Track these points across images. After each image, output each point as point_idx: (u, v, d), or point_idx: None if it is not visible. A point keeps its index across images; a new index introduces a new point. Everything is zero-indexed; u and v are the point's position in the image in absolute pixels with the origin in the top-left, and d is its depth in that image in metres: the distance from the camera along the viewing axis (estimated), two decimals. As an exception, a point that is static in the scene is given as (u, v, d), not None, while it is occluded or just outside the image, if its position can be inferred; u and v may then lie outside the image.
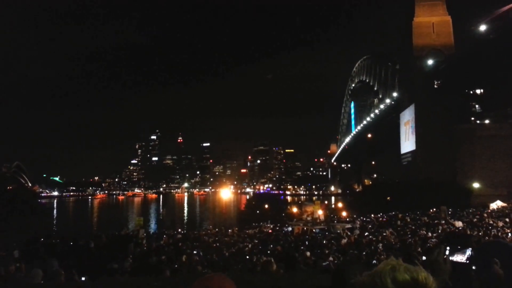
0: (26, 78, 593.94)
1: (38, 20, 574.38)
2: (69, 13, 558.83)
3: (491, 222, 26.15)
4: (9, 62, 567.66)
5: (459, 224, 25.17)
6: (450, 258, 2.36)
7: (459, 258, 2.64)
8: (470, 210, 40.79)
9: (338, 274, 2.18)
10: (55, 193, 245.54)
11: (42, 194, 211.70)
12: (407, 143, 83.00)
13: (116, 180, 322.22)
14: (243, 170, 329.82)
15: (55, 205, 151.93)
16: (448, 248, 2.49)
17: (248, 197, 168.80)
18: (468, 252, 2.64)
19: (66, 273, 8.95)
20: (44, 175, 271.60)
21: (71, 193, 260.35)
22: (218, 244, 24.11)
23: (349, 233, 24.55)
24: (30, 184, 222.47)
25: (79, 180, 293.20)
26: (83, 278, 5.60)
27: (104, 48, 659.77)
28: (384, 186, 79.06)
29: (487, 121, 73.47)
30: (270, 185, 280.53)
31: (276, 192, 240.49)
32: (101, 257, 15.38)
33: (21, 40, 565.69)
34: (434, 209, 40.10)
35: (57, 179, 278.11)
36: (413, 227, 25.95)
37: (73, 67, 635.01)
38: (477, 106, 77.25)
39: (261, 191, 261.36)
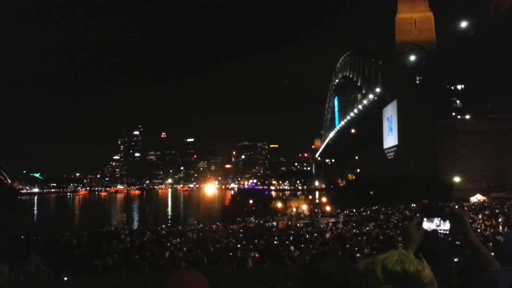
0: (6, 74, 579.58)
1: (20, 14, 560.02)
2: (50, 8, 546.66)
3: (471, 215, 26.71)
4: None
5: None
6: (423, 226, 2.44)
7: (428, 226, 2.74)
8: (451, 204, 41.60)
9: (311, 266, 2.09)
10: (36, 190, 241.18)
11: (22, 191, 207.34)
12: (390, 138, 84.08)
13: (98, 176, 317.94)
14: (228, 166, 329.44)
15: (35, 202, 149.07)
16: (424, 218, 2.60)
17: (232, 192, 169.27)
18: (437, 221, 2.76)
19: (49, 269, 8.80)
20: (24, 172, 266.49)
21: (52, 190, 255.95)
22: (202, 239, 24.00)
23: (333, 227, 24.76)
24: (9, 181, 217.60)
25: (60, 177, 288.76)
26: (65, 278, 5.49)
27: (86, 44, 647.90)
28: (367, 181, 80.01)
29: (467, 116, 74.97)
30: (255, 181, 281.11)
31: (260, 187, 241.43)
32: (83, 254, 15.15)
33: (1, 35, 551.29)
34: (416, 204, 40.77)
35: (37, 175, 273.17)
36: (395, 221, 26.33)
37: (54, 63, 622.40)
38: (458, 101, 78.73)
39: (246, 186, 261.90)
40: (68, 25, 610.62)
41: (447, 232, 2.60)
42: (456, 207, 15.70)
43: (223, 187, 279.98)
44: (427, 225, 2.68)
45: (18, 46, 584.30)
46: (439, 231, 2.66)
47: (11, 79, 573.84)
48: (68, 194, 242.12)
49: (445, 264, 2.61)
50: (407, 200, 43.76)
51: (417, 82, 77.41)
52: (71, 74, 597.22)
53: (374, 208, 42.10)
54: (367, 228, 22.61)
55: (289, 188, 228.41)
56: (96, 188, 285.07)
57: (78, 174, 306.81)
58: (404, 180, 61.13)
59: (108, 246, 17.72)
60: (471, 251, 2.35)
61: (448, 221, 2.61)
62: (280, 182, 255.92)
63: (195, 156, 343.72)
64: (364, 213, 37.59)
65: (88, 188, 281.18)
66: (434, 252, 2.39)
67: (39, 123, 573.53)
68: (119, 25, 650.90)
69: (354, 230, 21.96)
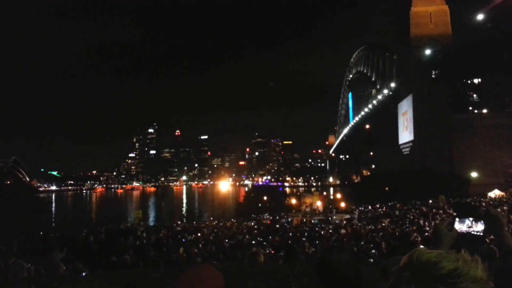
0: (24, 74, 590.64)
1: (37, 16, 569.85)
2: (66, 9, 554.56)
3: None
4: (6, 57, 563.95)
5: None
6: (455, 227, 2.33)
7: (459, 227, 2.64)
8: (468, 199, 40.95)
9: (324, 262, 2.10)
10: (53, 188, 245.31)
11: (40, 189, 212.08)
12: (405, 134, 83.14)
13: (114, 173, 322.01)
14: (241, 163, 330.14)
15: (53, 199, 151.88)
16: (456, 219, 2.49)
17: (246, 189, 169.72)
18: (469, 222, 2.66)
19: (67, 266, 8.95)
20: (42, 170, 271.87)
21: (69, 187, 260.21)
22: (217, 236, 24.14)
23: (348, 224, 24.62)
24: (28, 179, 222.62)
25: (77, 174, 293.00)
26: (83, 274, 5.58)
27: (102, 44, 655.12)
28: (382, 177, 79.42)
29: (484, 111, 73.64)
30: (269, 177, 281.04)
31: (274, 184, 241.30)
32: (101, 251, 15.36)
33: (19, 35, 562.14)
34: (433, 199, 40.25)
35: (55, 173, 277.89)
36: (411, 217, 26.03)
37: (71, 63, 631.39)
38: (474, 95, 77.41)
39: (260, 183, 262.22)
40: (86, 26, 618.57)
41: (480, 233, 2.48)
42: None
43: (237, 183, 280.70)
44: (458, 226, 2.57)
45: (35, 47, 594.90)
46: (472, 233, 2.56)
47: (29, 80, 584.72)
48: (84, 191, 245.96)
49: None
50: (423, 196, 43.26)
51: (433, 76, 76.31)
52: (88, 74, 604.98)
53: (389, 204, 41.66)
54: (383, 224, 22.42)
55: (303, 184, 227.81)
56: (113, 185, 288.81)
57: (95, 171, 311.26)
58: (420, 176, 60.48)
59: (125, 243, 17.95)
60: (507, 253, 2.22)
61: (481, 222, 2.46)
62: (294, 178, 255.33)
63: (209, 153, 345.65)
64: (380, 209, 37.27)
65: (104, 186, 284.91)
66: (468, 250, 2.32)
67: (57, 123, 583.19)
68: (134, 26, 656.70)
69: (369, 227, 21.79)
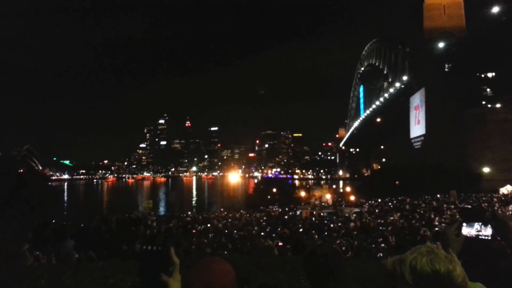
0: (39, 67, 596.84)
1: (54, 11, 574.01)
2: (80, 6, 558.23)
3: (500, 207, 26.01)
4: (24, 51, 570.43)
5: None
6: (462, 231, 2.34)
7: (467, 231, 2.64)
8: (480, 195, 40.59)
9: (312, 258, 2.35)
10: (65, 176, 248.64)
11: (53, 177, 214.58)
12: (417, 127, 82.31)
13: (125, 163, 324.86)
14: (251, 154, 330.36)
15: (65, 188, 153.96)
16: (463, 223, 2.51)
17: (256, 181, 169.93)
18: (477, 226, 2.64)
19: (80, 254, 9.13)
20: (54, 159, 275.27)
21: (81, 176, 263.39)
22: (226, 227, 24.29)
23: (357, 217, 24.58)
24: (40, 167, 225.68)
25: (89, 164, 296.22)
26: (101, 263, 5.70)
27: (113, 36, 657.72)
28: (393, 171, 78.73)
29: (498, 105, 72.43)
30: (278, 169, 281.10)
31: (284, 176, 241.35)
32: (112, 239, 15.59)
33: (31, 29, 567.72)
34: (444, 194, 39.97)
35: (67, 162, 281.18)
36: (422, 212, 25.89)
37: (84, 56, 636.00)
38: (488, 89, 76.12)
39: (269, 175, 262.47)
40: (98, 21, 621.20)
41: (489, 238, 2.43)
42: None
43: (247, 175, 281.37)
44: (466, 230, 2.57)
45: (50, 42, 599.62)
46: (480, 237, 2.53)
47: (43, 72, 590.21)
48: (95, 180, 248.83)
49: (489, 267, 2.54)
50: (434, 191, 42.96)
51: (446, 69, 75.25)
52: (101, 66, 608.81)
53: (399, 198, 41.48)
54: (392, 218, 22.35)
55: (312, 177, 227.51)
56: (124, 175, 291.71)
57: (106, 161, 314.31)
58: (431, 170, 59.92)
59: (136, 232, 18.19)
60: None
61: (489, 226, 2.47)
62: (304, 171, 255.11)
63: (219, 145, 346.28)
64: (389, 203, 37.12)
65: (116, 175, 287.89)
66: (477, 255, 2.33)
67: (69, 113, 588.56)
68: (147, 21, 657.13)
69: (378, 220, 21.73)
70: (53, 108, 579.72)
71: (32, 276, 4.11)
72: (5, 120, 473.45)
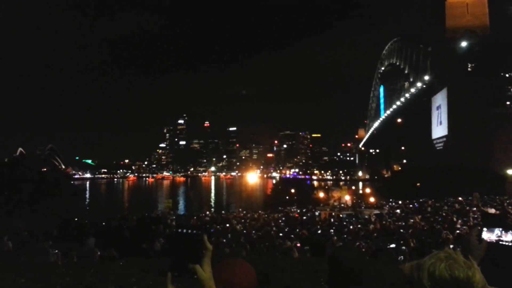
0: (58, 66, 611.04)
1: (70, 8, 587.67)
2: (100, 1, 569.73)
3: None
4: (45, 50, 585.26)
5: (491, 211, 24.45)
6: (484, 238, 2.30)
7: (488, 236, 2.58)
8: (504, 198, 39.51)
9: (335, 260, 2.24)
10: (88, 175, 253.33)
11: (75, 176, 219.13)
12: (439, 128, 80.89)
13: (146, 163, 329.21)
14: (270, 155, 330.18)
15: (87, 187, 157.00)
16: (484, 229, 2.46)
17: (274, 181, 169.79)
18: (498, 232, 2.58)
19: (102, 252, 9.32)
20: (77, 158, 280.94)
21: (103, 175, 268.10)
22: (245, 226, 24.37)
23: (377, 219, 24.29)
24: (63, 166, 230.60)
25: (110, 163, 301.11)
26: (121, 263, 5.81)
27: (133, 36, 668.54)
28: (414, 172, 77.35)
29: (523, 105, 70.62)
30: (297, 170, 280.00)
31: (302, 176, 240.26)
32: (132, 238, 15.82)
33: (50, 27, 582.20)
34: (466, 196, 39.07)
35: (89, 161, 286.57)
36: (444, 214, 25.39)
37: (105, 55, 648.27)
38: (512, 89, 74.27)
39: (288, 175, 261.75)
40: (118, 18, 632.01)
41: (510, 244, 2.37)
42: None
43: (265, 176, 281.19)
44: (487, 235, 2.52)
45: (69, 40, 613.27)
46: (501, 243, 2.47)
47: (64, 72, 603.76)
48: (115, 179, 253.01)
49: (510, 273, 2.48)
50: (457, 193, 42.04)
51: (469, 69, 73.69)
52: (121, 65, 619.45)
53: (421, 200, 40.75)
54: (413, 221, 21.98)
55: (331, 178, 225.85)
56: (144, 175, 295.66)
57: (127, 160, 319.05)
58: (453, 172, 58.69)
59: (156, 230, 18.42)
60: None
61: (511, 232, 2.42)
62: (322, 171, 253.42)
63: (237, 145, 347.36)
64: (410, 205, 36.52)
65: (136, 174, 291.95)
66: (497, 261, 2.28)
67: (92, 113, 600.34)
68: (166, 19, 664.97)
69: (399, 223, 21.42)
70: (75, 108, 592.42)
71: (58, 273, 4.22)
72: (30, 120, 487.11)
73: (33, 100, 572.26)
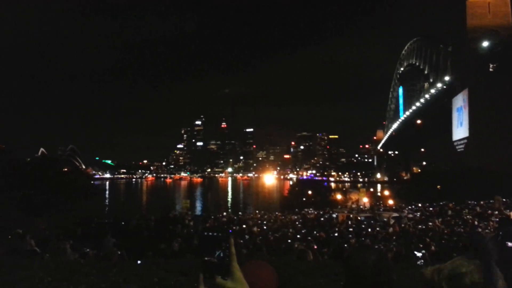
0: (80, 69, 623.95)
1: (90, 12, 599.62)
2: (118, 5, 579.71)
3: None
4: (68, 53, 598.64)
5: (515, 215, 23.89)
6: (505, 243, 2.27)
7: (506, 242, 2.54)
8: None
9: (350, 261, 2.08)
10: (107, 175, 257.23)
11: (95, 176, 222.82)
12: (460, 130, 79.40)
13: (164, 163, 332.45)
14: (286, 156, 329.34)
15: (107, 187, 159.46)
16: (501, 233, 2.42)
17: (291, 183, 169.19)
18: None
19: (122, 252, 9.47)
20: (97, 158, 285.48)
21: (122, 176, 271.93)
22: (262, 228, 24.39)
23: (396, 222, 23.99)
24: (84, 167, 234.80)
25: (129, 163, 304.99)
26: (138, 262, 5.88)
27: (151, 38, 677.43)
28: (434, 174, 76.03)
29: (548, 106, 68.67)
30: (314, 171, 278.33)
31: (319, 178, 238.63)
32: (150, 238, 16.01)
33: (70, 30, 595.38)
34: (488, 200, 38.24)
35: (109, 162, 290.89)
36: (465, 218, 24.92)
37: (124, 58, 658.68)
38: (537, 90, 72.30)
39: (304, 177, 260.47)
40: (136, 21, 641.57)
41: None
42: None
43: (282, 177, 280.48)
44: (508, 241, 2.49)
45: (90, 42, 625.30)
46: None
47: (84, 73, 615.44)
48: (134, 179, 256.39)
49: None
50: (478, 196, 41.20)
51: (491, 69, 72.22)
52: (141, 68, 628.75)
53: (441, 203, 40.05)
54: (433, 224, 21.64)
55: (349, 179, 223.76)
56: (162, 175, 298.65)
57: (146, 161, 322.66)
58: (475, 175, 57.48)
59: (173, 231, 18.60)
60: None
61: None
62: (340, 173, 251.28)
63: (254, 146, 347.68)
64: (431, 208, 35.95)
65: (154, 175, 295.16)
66: None
67: (111, 114, 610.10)
68: (184, 21, 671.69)
69: (419, 226, 21.11)
70: (95, 109, 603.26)
71: (81, 272, 4.32)
72: (52, 121, 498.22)
73: (55, 102, 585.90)
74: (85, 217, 24.86)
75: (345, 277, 2.01)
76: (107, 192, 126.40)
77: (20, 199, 32.27)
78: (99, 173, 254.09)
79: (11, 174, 34.38)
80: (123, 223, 22.28)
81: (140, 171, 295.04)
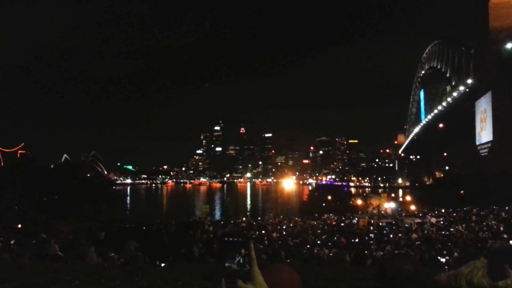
0: (102, 77, 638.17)
1: (110, 18, 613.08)
2: (139, 10, 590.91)
3: None
4: (89, 61, 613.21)
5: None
6: None
7: None
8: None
9: (385, 271, 2.02)
10: (128, 181, 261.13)
11: (117, 182, 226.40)
12: (484, 134, 77.64)
13: (183, 169, 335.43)
14: (305, 161, 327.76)
15: (128, 192, 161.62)
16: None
17: (310, 188, 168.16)
18: None
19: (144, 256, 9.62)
20: (118, 164, 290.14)
21: (143, 181, 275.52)
22: (281, 233, 24.32)
23: (419, 228, 23.57)
24: (105, 172, 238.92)
25: (150, 169, 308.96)
26: (162, 265, 5.97)
27: (171, 44, 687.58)
28: (457, 179, 74.39)
29: None
30: (333, 176, 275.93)
31: (339, 183, 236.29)
32: (171, 242, 16.18)
33: (90, 37, 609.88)
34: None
35: (130, 167, 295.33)
36: (489, 223, 24.29)
37: (145, 64, 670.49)
38: None
39: (324, 182, 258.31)
40: (156, 26, 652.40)
41: None
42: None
43: (301, 182, 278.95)
44: None
45: (108, 50, 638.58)
46: None
47: (106, 81, 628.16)
48: (154, 185, 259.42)
49: None
50: (503, 201, 40.06)
51: (515, 71, 70.46)
52: (159, 74, 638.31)
53: (465, 208, 39.14)
54: (457, 229, 21.17)
55: (369, 185, 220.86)
56: (182, 180, 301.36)
57: (166, 166, 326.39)
58: (499, 179, 56.00)
59: (193, 236, 18.76)
60: None
61: None
62: (360, 178, 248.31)
63: (273, 151, 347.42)
64: (454, 214, 35.19)
65: (174, 180, 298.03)
66: None
67: (132, 121, 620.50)
68: (200, 25, 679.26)
69: (442, 232, 20.70)
70: (116, 115, 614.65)
71: (106, 276, 4.44)
72: (75, 128, 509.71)
73: (78, 110, 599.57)
74: (107, 222, 25.29)
75: (375, 285, 1.94)
76: (128, 197, 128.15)
77: (44, 204, 33.10)
78: (121, 178, 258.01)
79: (37, 181, 35.29)
80: (144, 227, 22.59)
81: (160, 176, 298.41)
